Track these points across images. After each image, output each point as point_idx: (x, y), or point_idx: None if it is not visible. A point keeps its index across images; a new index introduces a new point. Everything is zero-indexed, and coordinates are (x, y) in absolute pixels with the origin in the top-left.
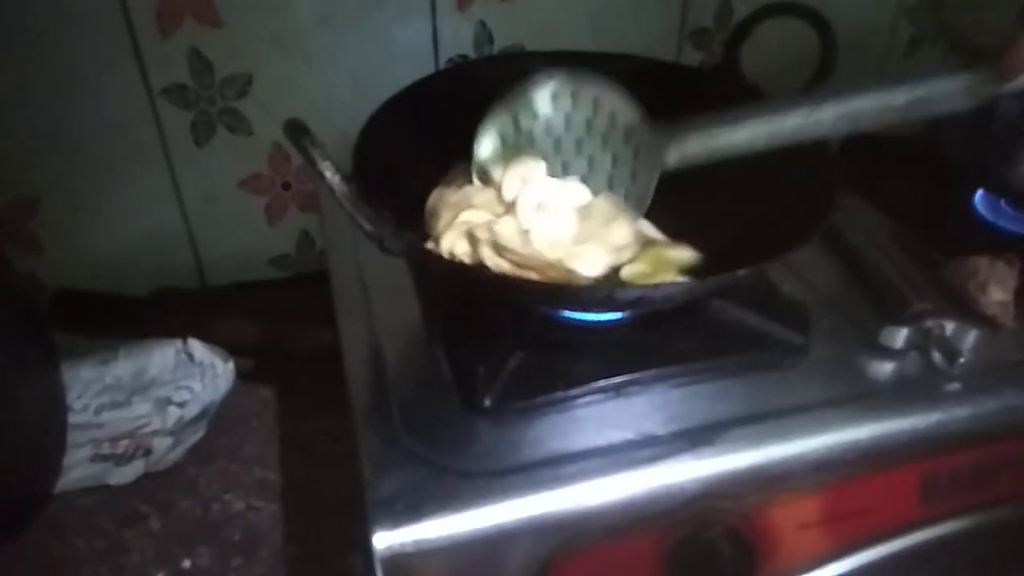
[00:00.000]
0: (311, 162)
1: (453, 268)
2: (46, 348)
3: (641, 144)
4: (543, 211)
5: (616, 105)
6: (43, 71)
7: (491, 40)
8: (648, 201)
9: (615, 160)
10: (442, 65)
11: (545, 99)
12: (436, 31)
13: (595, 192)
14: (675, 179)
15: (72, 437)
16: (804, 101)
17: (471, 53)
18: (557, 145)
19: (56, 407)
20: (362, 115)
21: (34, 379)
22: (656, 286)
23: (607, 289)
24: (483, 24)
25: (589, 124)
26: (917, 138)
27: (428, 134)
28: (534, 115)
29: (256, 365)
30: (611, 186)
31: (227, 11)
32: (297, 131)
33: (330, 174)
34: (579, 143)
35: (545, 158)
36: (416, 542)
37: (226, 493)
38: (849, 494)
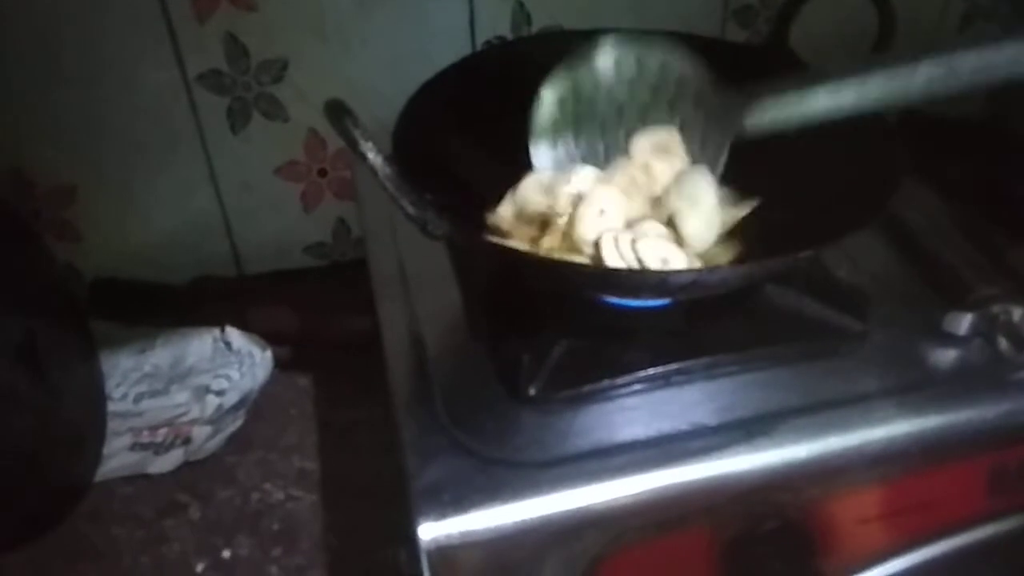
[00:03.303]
0: (352, 143)
1: (499, 252)
2: (85, 337)
3: (712, 110)
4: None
5: (685, 70)
6: (78, 59)
7: (529, 21)
8: (720, 170)
9: (683, 127)
10: (479, 47)
11: (608, 64)
12: (473, 12)
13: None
14: (731, 161)
15: (111, 426)
16: (892, 61)
17: (508, 34)
18: (619, 113)
19: (96, 396)
20: (399, 98)
21: (74, 368)
22: (711, 269)
23: (660, 273)
24: (521, 4)
25: (655, 90)
26: (978, 115)
27: (467, 116)
28: (596, 81)
29: (293, 354)
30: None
31: None
32: (338, 111)
33: (372, 155)
34: (644, 109)
35: (606, 127)
36: (462, 534)
37: (265, 482)
38: (912, 487)
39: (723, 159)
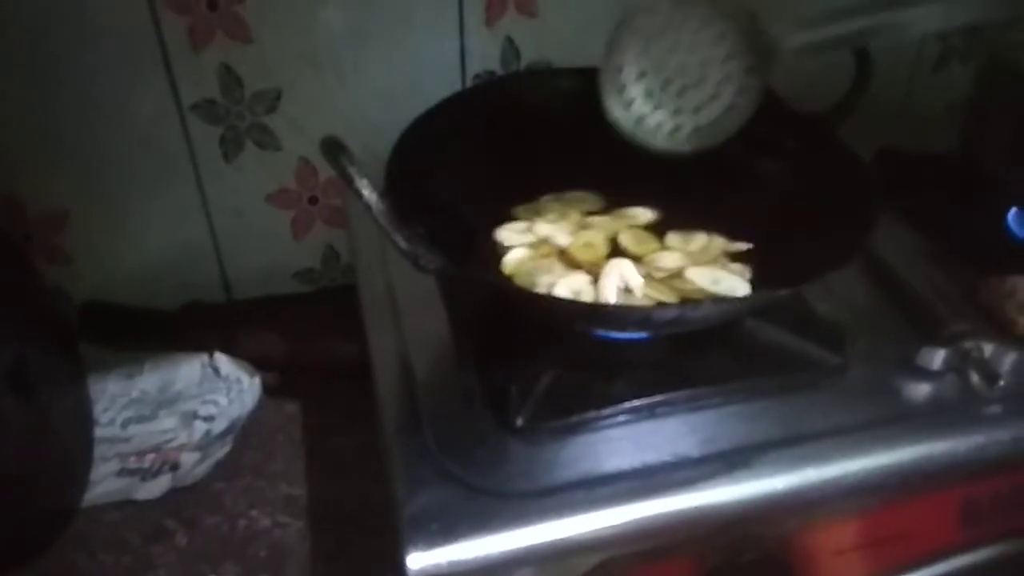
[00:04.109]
0: (348, 180)
1: (489, 287)
2: (74, 361)
3: (750, 44)
4: None
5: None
6: (75, 86)
7: (518, 56)
8: (752, 105)
9: (728, 59)
10: (469, 81)
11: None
12: (464, 47)
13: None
14: (716, 200)
15: (99, 451)
16: None
17: (498, 69)
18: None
19: (83, 420)
20: (390, 130)
21: (63, 392)
22: (695, 306)
23: (645, 309)
24: (510, 40)
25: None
26: (951, 153)
27: (458, 150)
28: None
29: (281, 379)
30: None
31: (258, 27)
32: (334, 149)
33: (367, 192)
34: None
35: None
36: (451, 563)
37: (252, 509)
38: (888, 518)
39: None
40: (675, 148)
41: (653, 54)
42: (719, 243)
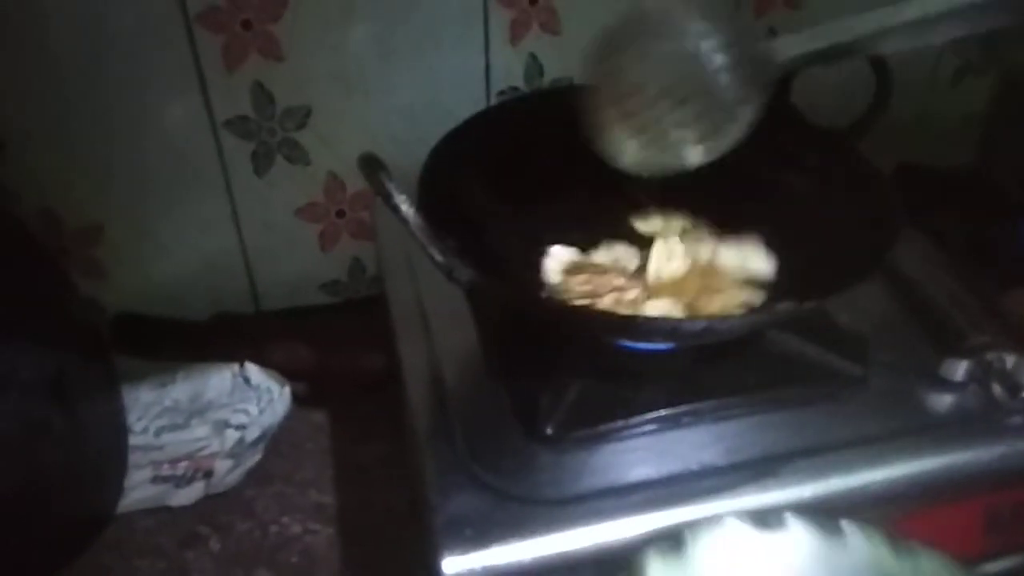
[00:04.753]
0: (385, 196)
1: (521, 299)
2: (108, 371)
3: (743, 58)
4: None
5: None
6: (110, 103)
7: (542, 73)
8: (753, 116)
9: (718, 81)
10: (493, 97)
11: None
12: (488, 64)
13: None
14: (738, 215)
15: (133, 459)
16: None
17: (522, 86)
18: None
19: (118, 428)
20: (417, 146)
21: (97, 401)
22: (722, 318)
23: (673, 321)
24: (534, 57)
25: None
26: (969, 167)
27: (486, 165)
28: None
29: (309, 389)
30: (711, 109)
31: (290, 46)
32: (373, 165)
33: (405, 207)
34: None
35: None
36: (484, 568)
37: (283, 516)
38: (911, 528)
39: (759, 107)
40: (673, 164)
41: (647, 69)
42: (677, 223)
